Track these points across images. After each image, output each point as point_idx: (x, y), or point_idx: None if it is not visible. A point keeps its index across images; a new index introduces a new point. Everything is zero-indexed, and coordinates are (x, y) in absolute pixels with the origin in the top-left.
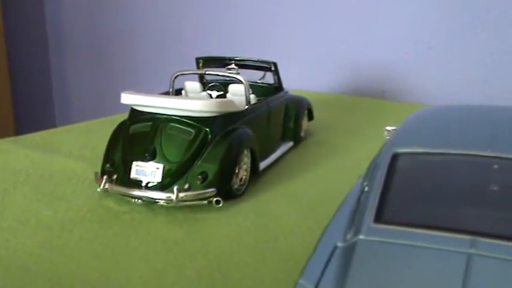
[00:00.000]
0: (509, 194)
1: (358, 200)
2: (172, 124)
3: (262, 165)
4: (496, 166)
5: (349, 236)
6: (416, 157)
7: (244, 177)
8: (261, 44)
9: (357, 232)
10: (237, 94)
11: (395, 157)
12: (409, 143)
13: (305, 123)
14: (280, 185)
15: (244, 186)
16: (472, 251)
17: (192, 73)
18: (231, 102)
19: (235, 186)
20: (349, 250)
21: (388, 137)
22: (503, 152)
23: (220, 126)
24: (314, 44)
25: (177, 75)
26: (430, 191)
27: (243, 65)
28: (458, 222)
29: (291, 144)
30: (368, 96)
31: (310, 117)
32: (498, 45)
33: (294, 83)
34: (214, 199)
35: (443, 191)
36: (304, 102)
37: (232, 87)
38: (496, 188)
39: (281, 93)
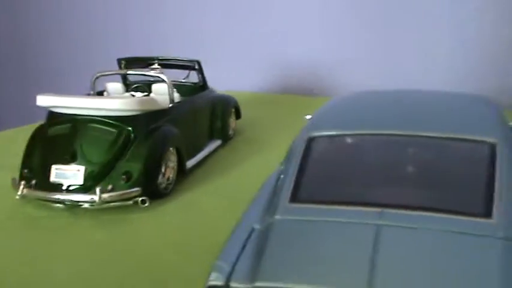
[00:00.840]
0: (416, 168)
1: (276, 184)
2: (92, 125)
3: (190, 163)
4: (405, 144)
5: (266, 218)
6: (330, 139)
7: (171, 176)
8: (187, 45)
9: (273, 213)
10: (161, 93)
11: (310, 140)
12: (324, 126)
13: (233, 121)
14: (208, 183)
15: (172, 185)
16: (380, 222)
17: (114, 73)
18: (153, 100)
19: (163, 185)
20: (266, 231)
21: None
22: (412, 130)
23: (143, 125)
24: (241, 44)
25: (98, 76)
26: (343, 170)
27: (166, 64)
28: (368, 197)
29: (219, 142)
30: (297, 94)
31: (238, 115)
32: (417, 37)
33: (222, 83)
34: (140, 199)
35: (355, 170)
36: (231, 100)
37: (155, 87)
38: (402, 163)
39: (206, 92)
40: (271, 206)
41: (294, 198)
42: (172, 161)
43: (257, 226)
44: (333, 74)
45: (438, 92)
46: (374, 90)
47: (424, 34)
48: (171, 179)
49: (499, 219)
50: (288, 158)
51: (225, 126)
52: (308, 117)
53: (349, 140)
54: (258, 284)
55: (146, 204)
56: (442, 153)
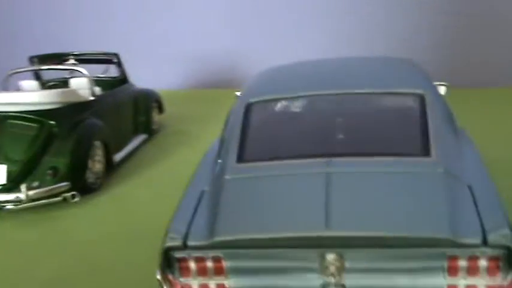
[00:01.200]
0: (355, 121)
1: (219, 150)
2: (11, 121)
3: (117, 157)
4: (341, 101)
5: (214, 180)
6: (267, 103)
7: (98, 170)
8: (98, 46)
9: (222, 174)
10: (80, 88)
11: (249, 106)
12: (259, 93)
13: (156, 115)
14: (137, 176)
15: (100, 180)
16: (328, 169)
17: (28, 70)
18: (74, 91)
19: (90, 180)
20: (217, 191)
21: None
22: (346, 89)
23: (66, 119)
24: (157, 43)
25: (11, 74)
26: (284, 130)
27: (83, 59)
28: (312, 150)
29: (144, 137)
30: (216, 88)
31: (161, 110)
32: (332, 27)
33: (143, 83)
34: (70, 194)
35: (296, 128)
36: (153, 94)
37: (73, 82)
38: (341, 118)
39: (127, 85)
40: (218, 169)
41: (241, 158)
42: (98, 154)
43: (206, 188)
44: (252, 67)
45: (364, 57)
46: (298, 62)
47: (335, 22)
48: (99, 173)
49: (437, 157)
50: (228, 125)
51: (149, 120)
52: (238, 93)
53: (285, 102)
54: (216, 239)
55: (76, 199)
56: (377, 107)
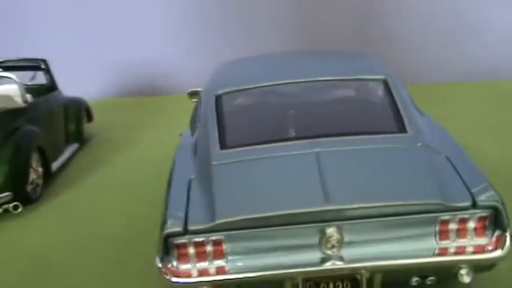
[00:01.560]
0: (326, 106)
1: (196, 142)
2: None
3: (54, 166)
4: (307, 88)
5: (201, 168)
6: (235, 94)
7: (37, 179)
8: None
9: (207, 162)
10: (11, 95)
11: (218, 97)
12: (226, 85)
13: (85, 124)
14: (76, 184)
15: (39, 189)
16: (316, 149)
17: None
18: (7, 97)
19: (28, 189)
20: (207, 177)
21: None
22: (308, 77)
23: (0, 126)
24: (81, 53)
25: None
26: (259, 117)
27: (7, 67)
28: (293, 133)
29: (76, 145)
30: (141, 95)
31: (90, 118)
32: (249, 36)
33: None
34: (12, 204)
35: (271, 115)
36: (82, 103)
37: (2, 89)
38: (314, 104)
39: (57, 93)
40: (200, 159)
41: (224, 145)
42: (36, 163)
43: (193, 176)
44: (173, 74)
45: (320, 49)
46: (257, 55)
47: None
48: (37, 182)
49: (413, 132)
50: (200, 117)
51: (80, 129)
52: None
53: (254, 91)
54: (218, 221)
55: (19, 210)
56: (345, 92)
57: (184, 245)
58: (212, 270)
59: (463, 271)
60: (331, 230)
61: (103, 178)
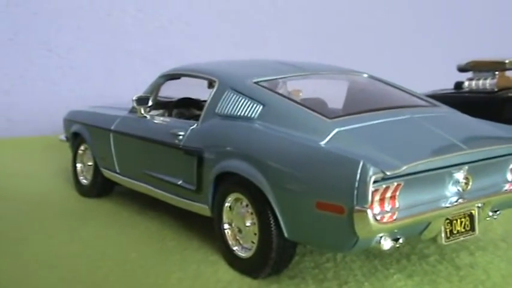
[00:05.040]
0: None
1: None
2: None
3: None
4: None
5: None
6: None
7: None
8: None
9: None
10: None
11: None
12: (257, 75)
13: None
14: None
15: None
16: (414, 116)
17: None
18: None
19: None
20: (340, 138)
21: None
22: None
23: None
24: None
25: None
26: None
27: None
28: (372, 106)
29: None
30: None
31: None
32: None
33: None
34: None
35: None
36: None
37: None
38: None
39: None
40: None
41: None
42: None
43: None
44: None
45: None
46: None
47: None
48: None
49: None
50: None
51: None
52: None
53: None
54: (406, 165)
55: None
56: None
57: (377, 191)
58: (389, 214)
59: None
60: (464, 172)
61: None
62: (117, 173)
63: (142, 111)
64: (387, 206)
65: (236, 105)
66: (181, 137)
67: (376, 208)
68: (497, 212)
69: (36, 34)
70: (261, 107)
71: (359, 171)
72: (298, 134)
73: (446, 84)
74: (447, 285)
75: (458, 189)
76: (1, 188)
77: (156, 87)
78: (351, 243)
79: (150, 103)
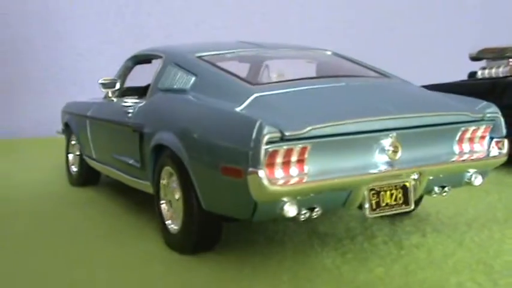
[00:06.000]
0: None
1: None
2: None
3: None
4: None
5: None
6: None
7: None
8: None
9: (248, 93)
10: None
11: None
12: (201, 50)
13: None
14: None
15: None
16: (343, 83)
17: None
18: None
19: None
20: (259, 102)
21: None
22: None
23: None
24: None
25: None
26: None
27: None
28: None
29: None
30: None
31: None
32: None
33: None
34: None
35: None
36: None
37: None
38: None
39: None
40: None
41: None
42: None
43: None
44: None
45: None
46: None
47: None
48: None
49: (394, 77)
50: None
51: None
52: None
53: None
54: (309, 127)
55: None
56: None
57: (276, 153)
58: (294, 179)
59: (472, 175)
60: (392, 138)
61: None
62: (93, 159)
63: (110, 95)
64: (293, 171)
65: (174, 78)
66: (130, 114)
67: (279, 172)
68: (446, 189)
69: None
70: (194, 78)
71: (255, 131)
72: (221, 102)
73: (458, 75)
74: (377, 261)
75: (386, 158)
76: None
77: (124, 71)
78: (250, 208)
79: (117, 86)
